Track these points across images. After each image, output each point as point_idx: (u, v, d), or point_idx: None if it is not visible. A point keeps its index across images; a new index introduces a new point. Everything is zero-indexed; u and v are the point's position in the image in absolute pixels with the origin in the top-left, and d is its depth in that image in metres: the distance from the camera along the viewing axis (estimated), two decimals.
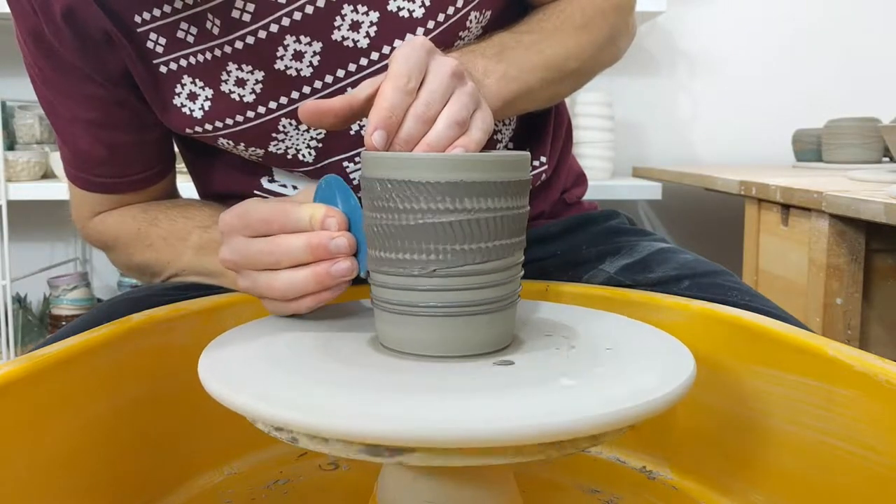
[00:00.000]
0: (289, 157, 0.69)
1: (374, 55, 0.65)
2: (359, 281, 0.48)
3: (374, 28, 0.64)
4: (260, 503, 0.54)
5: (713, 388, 0.53)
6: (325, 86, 0.66)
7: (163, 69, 0.66)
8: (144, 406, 0.53)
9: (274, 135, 0.68)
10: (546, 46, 0.66)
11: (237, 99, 0.66)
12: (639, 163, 2.17)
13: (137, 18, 0.64)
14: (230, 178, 0.75)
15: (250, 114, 0.67)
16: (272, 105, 0.66)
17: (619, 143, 2.03)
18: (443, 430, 0.33)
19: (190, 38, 0.64)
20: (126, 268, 0.78)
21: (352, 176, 0.70)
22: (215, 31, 0.64)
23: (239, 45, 0.64)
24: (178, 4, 0.63)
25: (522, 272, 0.45)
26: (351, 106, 0.48)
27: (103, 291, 2.13)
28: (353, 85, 0.65)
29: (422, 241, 0.41)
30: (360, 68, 0.65)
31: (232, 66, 0.65)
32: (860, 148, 1.73)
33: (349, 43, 0.64)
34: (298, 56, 0.64)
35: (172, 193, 0.80)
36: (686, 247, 0.78)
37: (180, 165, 0.82)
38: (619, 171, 2.07)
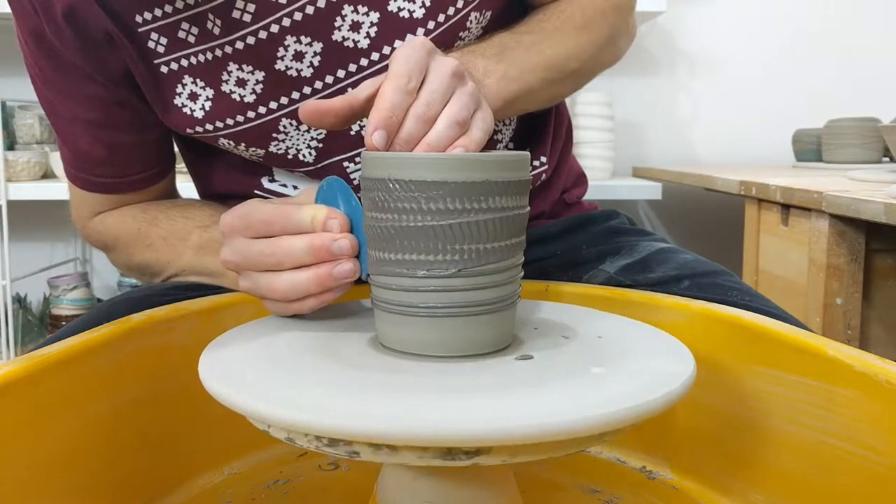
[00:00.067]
0: (289, 157, 0.70)
1: (375, 55, 0.65)
2: (360, 281, 0.48)
3: (375, 28, 0.64)
4: (260, 503, 0.54)
5: (713, 388, 0.53)
6: (326, 86, 0.66)
7: (164, 69, 0.66)
8: (144, 406, 0.53)
9: (274, 135, 0.68)
10: (546, 47, 0.66)
11: (238, 99, 0.66)
12: (639, 163, 2.17)
13: (138, 18, 0.64)
14: (230, 178, 0.75)
15: (251, 114, 0.67)
16: (273, 105, 0.66)
17: (619, 143, 2.03)
18: (443, 429, 0.33)
19: (191, 39, 0.64)
20: (126, 268, 0.78)
21: (352, 176, 0.70)
22: (216, 31, 0.64)
23: (240, 45, 0.64)
24: (179, 4, 0.63)
25: (522, 273, 0.45)
26: (351, 106, 0.48)
27: (103, 291, 2.13)
28: (354, 85, 0.65)
29: (422, 241, 0.41)
30: (360, 69, 0.65)
31: (233, 67, 0.65)
32: (860, 148, 1.73)
33: (349, 43, 0.64)
34: (299, 56, 0.64)
35: (172, 193, 0.80)
36: (686, 247, 0.78)
37: (180, 165, 0.82)
38: (619, 171, 2.08)
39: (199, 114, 0.67)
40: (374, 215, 0.43)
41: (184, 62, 0.66)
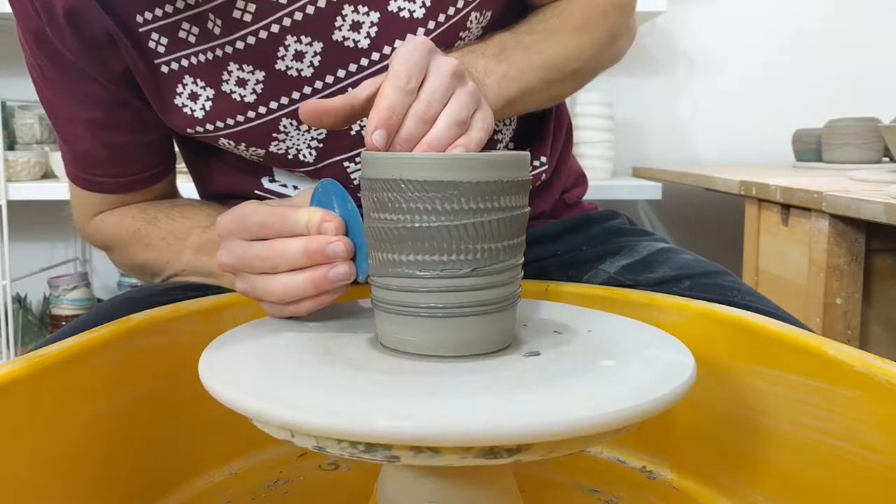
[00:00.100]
0: (289, 157, 0.70)
1: (375, 55, 0.65)
2: (356, 283, 0.48)
3: (375, 28, 0.64)
4: (260, 503, 0.54)
5: (713, 388, 0.53)
6: (326, 86, 0.66)
7: (164, 69, 0.66)
8: (144, 406, 0.53)
9: (275, 135, 0.68)
10: (546, 47, 0.66)
11: (238, 99, 0.66)
12: (639, 163, 2.17)
13: (139, 18, 0.64)
14: (230, 178, 0.75)
15: (251, 114, 0.67)
16: (273, 105, 0.66)
17: (619, 143, 2.03)
18: (442, 429, 0.33)
19: (191, 39, 0.64)
20: (126, 268, 0.78)
21: (352, 176, 0.70)
22: (216, 31, 0.64)
23: (240, 45, 0.64)
24: (180, 4, 0.63)
25: (522, 273, 0.45)
26: (351, 106, 0.48)
27: (103, 291, 2.13)
28: (354, 85, 0.65)
29: (421, 241, 0.41)
30: (360, 68, 0.65)
31: (233, 67, 0.65)
32: (860, 148, 1.73)
33: (350, 43, 0.64)
34: (299, 56, 0.64)
35: (173, 193, 0.80)
36: (686, 247, 0.78)
37: (180, 165, 0.82)
38: (619, 171, 2.08)
39: (199, 114, 0.67)
40: (374, 215, 0.42)
41: (184, 62, 0.66)
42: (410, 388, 0.38)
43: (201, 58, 0.65)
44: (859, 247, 1.17)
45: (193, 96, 0.67)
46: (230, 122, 0.67)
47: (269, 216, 0.49)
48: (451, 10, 0.65)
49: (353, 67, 0.65)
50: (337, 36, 0.64)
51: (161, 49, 0.65)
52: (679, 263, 0.70)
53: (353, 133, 0.68)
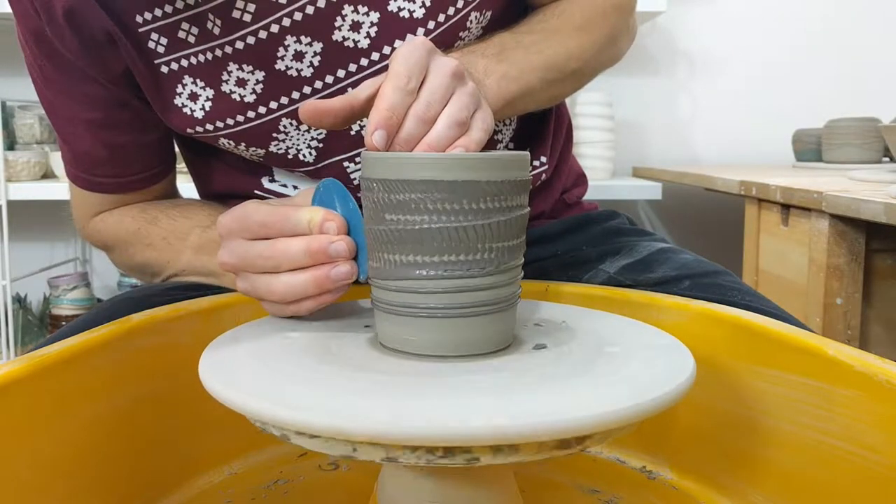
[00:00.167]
0: (289, 157, 0.70)
1: (375, 55, 0.65)
2: (357, 283, 0.48)
3: (375, 28, 0.64)
4: (260, 503, 0.54)
5: (713, 388, 0.53)
6: (326, 86, 0.66)
7: (164, 69, 0.66)
8: (144, 406, 0.53)
9: (274, 135, 0.68)
10: (546, 47, 0.66)
11: (238, 99, 0.66)
12: (639, 163, 2.17)
13: (139, 18, 0.64)
14: (230, 177, 0.75)
15: (251, 114, 0.67)
16: (273, 105, 0.66)
17: (619, 143, 2.03)
18: (442, 429, 0.33)
19: (191, 39, 0.64)
20: (126, 267, 0.78)
21: (352, 176, 0.70)
22: (216, 31, 0.64)
23: (240, 45, 0.64)
24: (180, 5, 0.63)
25: (522, 273, 0.45)
26: (351, 106, 0.48)
27: (103, 291, 2.13)
28: (354, 85, 0.65)
29: (422, 242, 0.41)
30: (360, 69, 0.65)
31: (233, 67, 0.65)
32: (860, 148, 1.73)
33: (350, 43, 0.64)
34: (299, 56, 0.64)
35: (173, 193, 0.80)
36: (686, 247, 0.78)
37: (180, 165, 0.82)
38: (619, 171, 2.08)
39: (199, 114, 0.67)
40: (383, 217, 0.42)
41: (184, 62, 0.66)
42: (410, 388, 0.38)
43: (201, 58, 0.65)
44: (859, 247, 1.17)
45: (193, 96, 0.67)
46: (230, 122, 0.67)
47: (271, 215, 0.49)
48: (451, 10, 0.65)
49: (352, 67, 0.65)
50: (337, 36, 0.64)
51: (161, 49, 0.65)
52: (679, 263, 0.70)
53: (352, 133, 0.68)
